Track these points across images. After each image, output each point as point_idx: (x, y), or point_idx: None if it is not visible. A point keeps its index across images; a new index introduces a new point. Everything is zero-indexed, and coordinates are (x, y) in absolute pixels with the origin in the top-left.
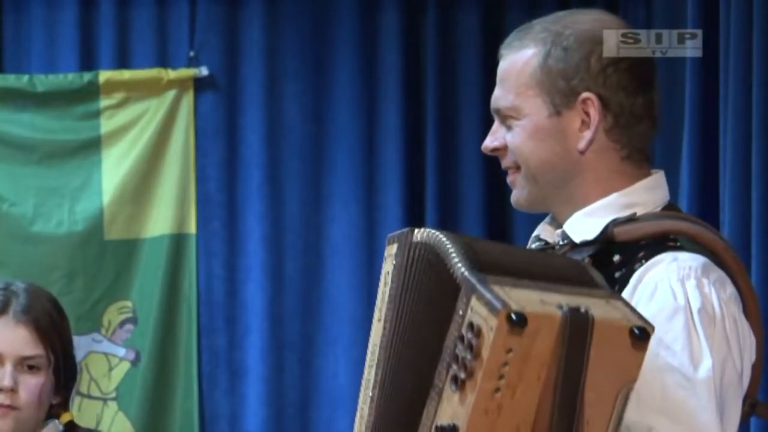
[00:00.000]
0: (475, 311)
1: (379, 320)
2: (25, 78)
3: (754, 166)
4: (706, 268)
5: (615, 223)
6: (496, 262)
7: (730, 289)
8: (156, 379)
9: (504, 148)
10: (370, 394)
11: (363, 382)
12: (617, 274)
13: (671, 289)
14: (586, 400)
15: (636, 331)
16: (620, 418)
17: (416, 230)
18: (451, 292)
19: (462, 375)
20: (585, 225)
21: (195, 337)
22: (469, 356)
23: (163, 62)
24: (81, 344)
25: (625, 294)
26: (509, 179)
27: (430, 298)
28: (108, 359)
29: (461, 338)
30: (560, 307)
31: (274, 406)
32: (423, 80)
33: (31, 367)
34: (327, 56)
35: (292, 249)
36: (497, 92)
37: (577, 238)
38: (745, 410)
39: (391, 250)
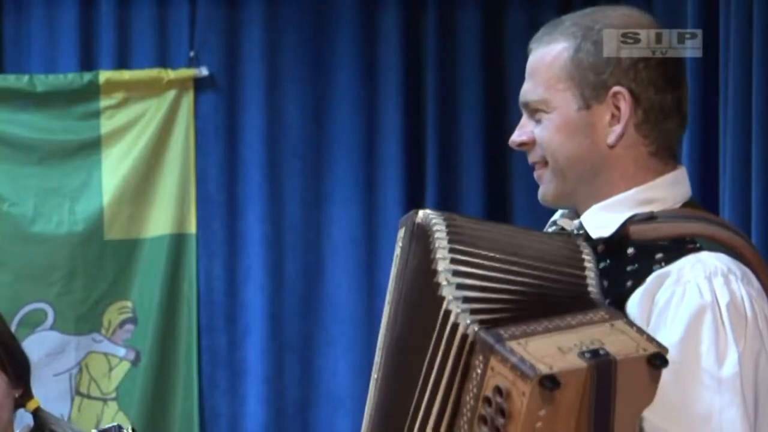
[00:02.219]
0: (498, 372)
1: (388, 303)
2: (25, 78)
3: (754, 166)
4: (730, 265)
5: (631, 221)
6: (482, 263)
7: (756, 284)
8: (156, 379)
9: (531, 143)
10: (375, 376)
11: (373, 366)
12: (629, 268)
13: (698, 287)
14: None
15: (653, 359)
16: None
17: (419, 211)
18: (435, 286)
19: None
20: (601, 219)
21: (195, 337)
22: (501, 420)
23: (163, 62)
24: (81, 344)
25: (637, 294)
26: (536, 174)
27: (422, 282)
28: (108, 359)
29: (487, 401)
30: (582, 354)
31: (274, 406)
32: (423, 80)
33: None
34: (327, 56)
35: (292, 249)
36: (526, 86)
37: (593, 232)
38: None
39: (400, 233)
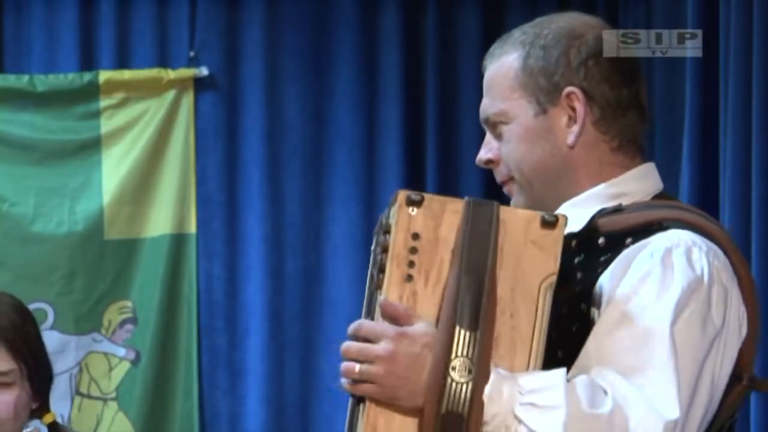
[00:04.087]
0: (387, 216)
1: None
2: (25, 78)
3: (754, 166)
4: (695, 239)
5: (600, 214)
6: None
7: (723, 259)
8: (156, 379)
9: (498, 160)
10: None
11: None
12: (602, 258)
13: (651, 253)
14: (504, 293)
15: (546, 217)
16: (548, 313)
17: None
18: None
19: (380, 274)
20: (571, 215)
21: (195, 337)
22: (382, 254)
23: (163, 62)
24: (81, 344)
25: (608, 271)
26: (506, 189)
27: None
28: (108, 359)
29: (379, 245)
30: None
31: (274, 406)
32: (423, 80)
33: (2, 384)
34: (327, 56)
35: (292, 249)
36: (485, 102)
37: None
38: (744, 386)
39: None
